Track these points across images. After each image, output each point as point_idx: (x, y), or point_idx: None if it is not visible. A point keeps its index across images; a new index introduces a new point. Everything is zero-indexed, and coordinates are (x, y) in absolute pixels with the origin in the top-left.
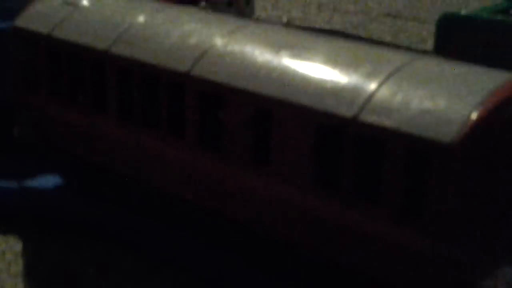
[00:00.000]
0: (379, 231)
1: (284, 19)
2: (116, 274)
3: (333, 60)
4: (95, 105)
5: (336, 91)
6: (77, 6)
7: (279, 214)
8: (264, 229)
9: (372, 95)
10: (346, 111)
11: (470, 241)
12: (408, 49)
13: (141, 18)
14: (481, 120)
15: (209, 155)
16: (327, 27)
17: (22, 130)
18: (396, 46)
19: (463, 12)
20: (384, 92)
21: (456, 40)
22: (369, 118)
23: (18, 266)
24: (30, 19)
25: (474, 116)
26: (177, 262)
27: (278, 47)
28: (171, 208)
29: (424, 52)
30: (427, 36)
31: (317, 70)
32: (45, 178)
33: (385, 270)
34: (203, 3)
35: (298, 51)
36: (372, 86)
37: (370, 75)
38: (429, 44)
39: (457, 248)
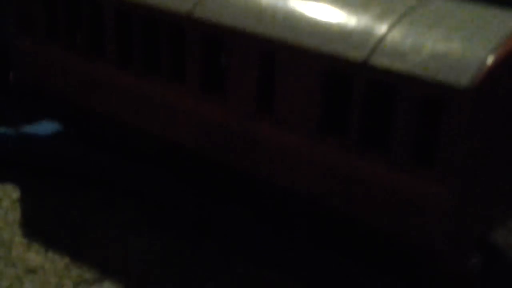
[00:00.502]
0: (389, 180)
1: None
2: (116, 221)
3: (342, 2)
4: (93, 49)
5: (345, 34)
6: None
7: (284, 162)
8: (269, 178)
9: (383, 37)
10: (355, 55)
11: (483, 190)
12: None
13: None
14: (497, 64)
15: (212, 101)
16: None
17: (18, 75)
18: None
19: None
20: (396, 34)
21: None
22: (380, 61)
23: (15, 214)
24: None
25: (490, 60)
26: (179, 211)
27: None
28: (173, 156)
29: None
30: None
31: (325, 12)
32: (43, 124)
33: (394, 221)
34: None
35: None
36: (383, 28)
37: (380, 17)
38: None
39: (469, 197)
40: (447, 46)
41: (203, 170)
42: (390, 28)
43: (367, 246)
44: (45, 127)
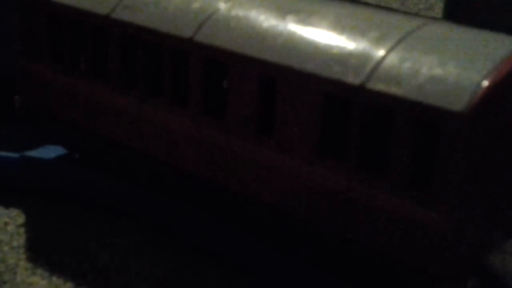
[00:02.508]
0: (386, 203)
1: None
2: (120, 246)
3: (340, 26)
4: (97, 73)
5: (343, 58)
6: None
7: (283, 184)
8: (268, 200)
9: (380, 62)
10: (353, 79)
11: (479, 213)
12: (417, 15)
13: None
14: (492, 88)
15: (213, 124)
16: None
17: (23, 99)
18: (404, 12)
19: None
20: (393, 59)
21: (466, 5)
22: (377, 86)
23: (20, 239)
24: None
25: (485, 84)
26: (180, 234)
27: (283, 12)
28: (174, 178)
29: (433, 18)
30: (435, 3)
31: (324, 36)
32: (46, 148)
33: (391, 243)
34: None
35: (304, 17)
36: (380, 52)
37: (378, 42)
38: (437, 11)
39: (466, 221)
40: (443, 71)
41: (205, 193)
42: (387, 53)
43: (364, 269)
44: (49, 151)
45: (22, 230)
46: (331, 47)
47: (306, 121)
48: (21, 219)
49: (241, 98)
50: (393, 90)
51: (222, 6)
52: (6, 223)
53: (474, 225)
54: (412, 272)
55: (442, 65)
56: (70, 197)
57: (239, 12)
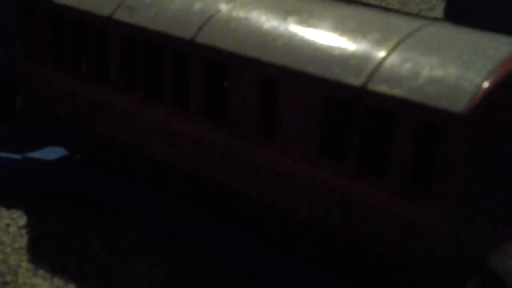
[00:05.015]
0: (387, 204)
1: None
2: (121, 247)
3: (341, 27)
4: (98, 74)
5: (344, 59)
6: None
7: (284, 185)
8: (269, 201)
9: (381, 63)
10: (354, 80)
11: (479, 214)
12: (418, 16)
13: None
14: (492, 89)
15: (214, 125)
16: None
17: (24, 100)
18: (405, 13)
19: None
20: (394, 60)
21: (467, 6)
22: (378, 87)
23: (22, 240)
24: None
25: (485, 85)
26: (183, 235)
27: (284, 14)
28: (176, 180)
29: (434, 19)
30: (437, 3)
31: (325, 37)
32: (48, 150)
33: (392, 245)
34: None
35: (305, 18)
36: (381, 54)
37: (379, 43)
38: (438, 12)
39: (466, 222)
40: (443, 72)
41: (206, 194)
42: (388, 54)
43: (364, 270)
44: (51, 153)
45: (24, 231)
46: (332, 48)
47: (307, 122)
48: (23, 220)
49: (242, 99)
50: (394, 91)
51: (224, 7)
52: (8, 225)
53: (475, 226)
54: (413, 273)
55: (442, 66)
56: (72, 198)
57: (240, 13)
